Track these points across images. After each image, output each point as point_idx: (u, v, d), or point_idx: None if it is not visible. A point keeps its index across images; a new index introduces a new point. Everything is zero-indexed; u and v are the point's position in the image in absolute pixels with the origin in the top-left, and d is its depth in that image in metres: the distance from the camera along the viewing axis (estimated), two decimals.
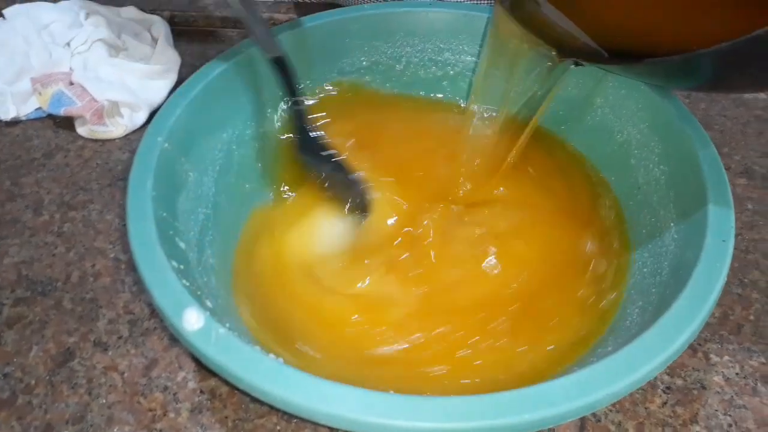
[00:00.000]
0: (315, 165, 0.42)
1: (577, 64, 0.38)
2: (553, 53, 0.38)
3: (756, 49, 0.25)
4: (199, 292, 0.30)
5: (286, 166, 0.43)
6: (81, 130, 0.52)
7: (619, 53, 0.35)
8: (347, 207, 0.42)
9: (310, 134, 0.42)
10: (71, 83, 0.53)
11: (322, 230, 0.41)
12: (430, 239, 0.39)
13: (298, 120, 0.42)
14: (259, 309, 0.35)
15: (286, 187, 0.43)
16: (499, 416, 0.24)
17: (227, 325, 0.27)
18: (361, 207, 0.42)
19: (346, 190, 0.42)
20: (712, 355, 0.37)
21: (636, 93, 0.40)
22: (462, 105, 0.50)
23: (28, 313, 0.39)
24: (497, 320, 0.35)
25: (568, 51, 0.38)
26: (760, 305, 0.40)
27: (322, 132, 0.42)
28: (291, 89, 0.41)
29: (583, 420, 0.34)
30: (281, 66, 0.40)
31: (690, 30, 0.31)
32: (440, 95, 0.51)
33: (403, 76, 0.50)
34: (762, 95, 0.56)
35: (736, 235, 0.43)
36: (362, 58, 0.48)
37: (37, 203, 0.47)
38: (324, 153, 0.42)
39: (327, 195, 0.42)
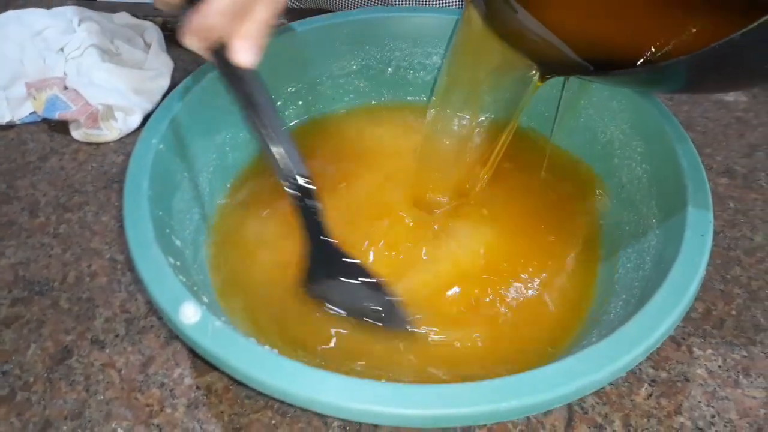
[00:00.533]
0: (329, 294, 0.36)
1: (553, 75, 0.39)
2: (534, 72, 0.38)
3: (715, 61, 0.26)
4: (195, 288, 0.30)
5: None
6: (75, 133, 0.52)
7: (598, 63, 0.35)
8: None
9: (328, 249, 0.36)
10: (65, 88, 0.54)
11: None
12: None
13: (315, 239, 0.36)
14: (252, 305, 0.36)
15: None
16: (487, 402, 0.25)
17: (222, 318, 0.28)
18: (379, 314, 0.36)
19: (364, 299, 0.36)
20: (695, 349, 0.38)
21: (618, 94, 0.42)
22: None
23: (25, 312, 0.40)
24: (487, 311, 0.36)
25: (549, 66, 0.38)
26: (741, 300, 0.41)
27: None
28: (311, 207, 0.36)
29: (570, 412, 0.35)
30: (303, 190, 0.35)
31: (657, 38, 0.32)
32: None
33: (392, 79, 0.51)
34: (742, 97, 0.57)
35: (719, 233, 0.45)
36: (352, 62, 0.49)
37: (32, 205, 0.47)
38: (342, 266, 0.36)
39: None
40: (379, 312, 0.35)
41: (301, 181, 0.34)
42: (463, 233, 0.41)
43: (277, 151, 0.34)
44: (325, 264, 0.36)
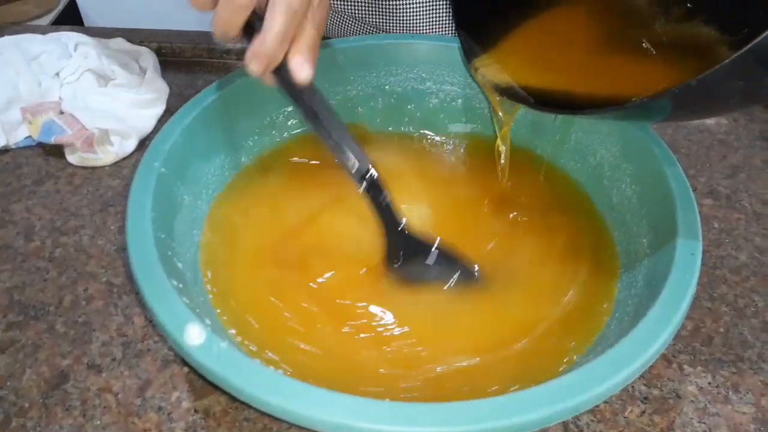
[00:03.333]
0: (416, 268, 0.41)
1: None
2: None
3: (680, 100, 0.28)
4: (198, 310, 0.31)
5: None
6: (71, 157, 0.53)
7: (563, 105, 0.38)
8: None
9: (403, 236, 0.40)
10: (61, 112, 0.54)
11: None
12: None
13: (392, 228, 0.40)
14: (251, 326, 0.36)
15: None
16: (483, 421, 0.25)
17: (226, 341, 0.28)
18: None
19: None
20: (685, 366, 0.39)
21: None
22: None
23: (20, 336, 0.40)
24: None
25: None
26: (728, 318, 0.42)
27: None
28: (382, 197, 0.39)
29: (566, 430, 0.35)
30: (372, 179, 0.38)
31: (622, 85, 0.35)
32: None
33: (388, 107, 0.52)
34: (723, 120, 0.59)
35: (704, 252, 0.45)
36: (349, 87, 0.50)
37: (28, 229, 0.47)
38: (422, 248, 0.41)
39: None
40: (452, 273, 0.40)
41: (370, 176, 0.37)
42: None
43: (342, 152, 0.37)
44: (403, 247, 0.40)
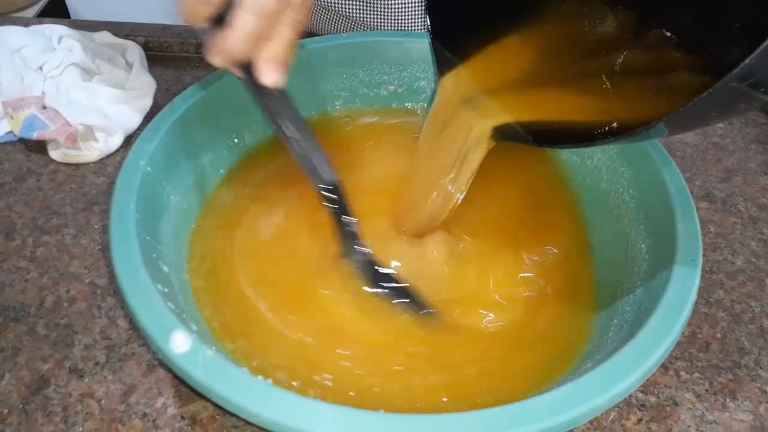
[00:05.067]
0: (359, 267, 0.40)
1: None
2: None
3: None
4: (184, 315, 0.30)
5: None
6: (54, 154, 0.51)
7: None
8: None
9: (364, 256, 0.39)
10: (44, 107, 0.52)
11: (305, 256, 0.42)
12: None
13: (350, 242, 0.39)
14: (240, 329, 0.35)
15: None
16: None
17: (213, 347, 0.27)
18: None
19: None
20: (682, 373, 0.38)
21: None
22: None
23: (0, 339, 0.38)
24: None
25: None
26: (725, 323, 0.41)
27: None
28: (344, 213, 0.38)
29: None
30: (335, 192, 0.37)
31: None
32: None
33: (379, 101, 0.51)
34: (719, 123, 0.59)
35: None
36: (341, 85, 0.49)
37: (8, 228, 0.46)
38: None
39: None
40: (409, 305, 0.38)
41: (330, 188, 0.36)
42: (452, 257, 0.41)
43: (306, 162, 0.35)
44: (360, 268, 0.39)
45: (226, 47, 0.31)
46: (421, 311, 0.38)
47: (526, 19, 0.41)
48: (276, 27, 0.31)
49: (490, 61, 0.42)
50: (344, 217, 0.38)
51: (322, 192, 0.37)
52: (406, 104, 0.52)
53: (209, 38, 0.32)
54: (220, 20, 0.31)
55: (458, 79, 0.42)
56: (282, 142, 0.36)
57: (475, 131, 0.39)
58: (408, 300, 0.38)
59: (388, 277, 0.39)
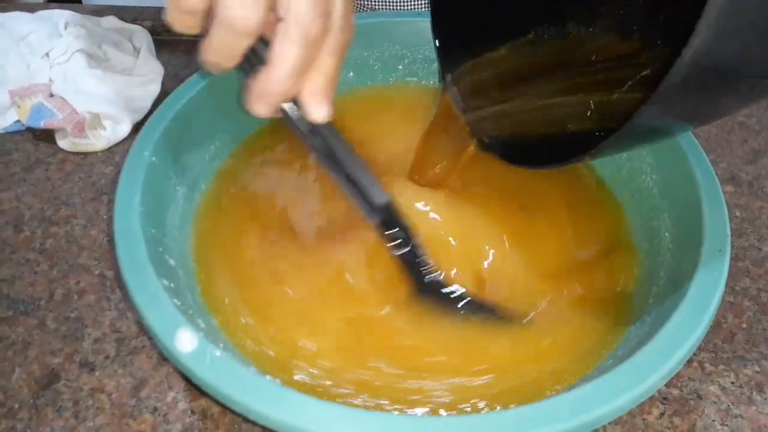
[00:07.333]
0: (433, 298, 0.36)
1: None
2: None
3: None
4: (190, 311, 0.29)
5: None
6: (62, 143, 0.50)
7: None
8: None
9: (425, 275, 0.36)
10: (51, 95, 0.52)
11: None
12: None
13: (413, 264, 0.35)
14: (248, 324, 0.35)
15: None
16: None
17: (221, 345, 0.27)
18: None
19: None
20: (707, 365, 0.37)
21: None
22: None
23: (9, 333, 0.38)
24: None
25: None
26: (751, 313, 0.40)
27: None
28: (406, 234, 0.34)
29: None
30: (389, 214, 0.33)
31: None
32: None
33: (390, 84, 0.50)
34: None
35: None
36: (349, 70, 0.48)
37: (17, 219, 0.45)
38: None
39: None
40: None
41: (389, 210, 0.33)
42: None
43: (357, 196, 0.32)
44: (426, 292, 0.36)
45: (270, 89, 0.27)
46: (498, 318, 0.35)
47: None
48: (318, 56, 0.28)
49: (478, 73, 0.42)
50: (407, 242, 0.34)
51: (384, 233, 0.34)
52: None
53: (245, 83, 0.28)
54: (251, 59, 0.27)
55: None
56: (331, 176, 0.32)
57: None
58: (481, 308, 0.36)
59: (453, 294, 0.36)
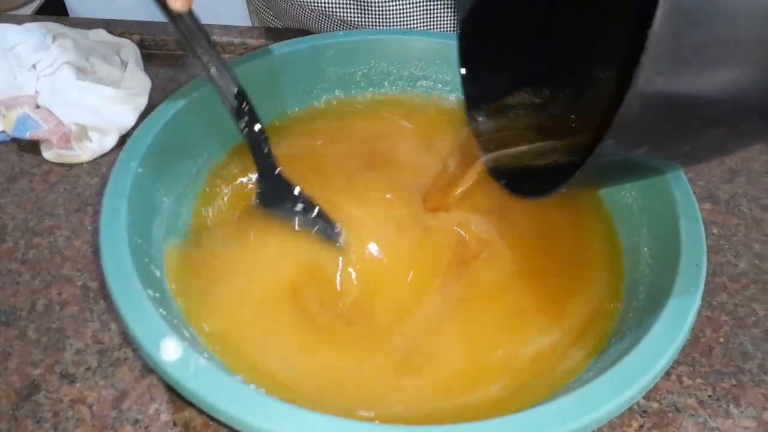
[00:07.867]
0: (281, 211, 0.40)
1: None
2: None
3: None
4: (175, 321, 0.29)
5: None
6: (47, 154, 0.50)
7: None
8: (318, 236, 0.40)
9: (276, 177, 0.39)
10: (37, 106, 0.52)
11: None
12: None
13: (264, 163, 0.39)
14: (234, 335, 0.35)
15: None
16: None
17: (206, 354, 0.27)
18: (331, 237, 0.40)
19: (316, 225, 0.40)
20: (685, 378, 0.38)
21: None
22: None
23: None
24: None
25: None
26: (728, 327, 0.41)
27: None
28: (253, 127, 0.38)
29: None
30: (241, 102, 0.37)
31: None
32: None
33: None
34: None
35: None
36: (335, 86, 0.48)
37: (0, 229, 0.45)
38: (291, 195, 0.40)
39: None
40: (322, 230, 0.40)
41: (239, 101, 0.36)
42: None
43: (213, 74, 0.35)
44: (273, 187, 0.39)
45: None
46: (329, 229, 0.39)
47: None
48: None
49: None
50: (253, 129, 0.37)
51: (233, 108, 0.37)
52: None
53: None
54: None
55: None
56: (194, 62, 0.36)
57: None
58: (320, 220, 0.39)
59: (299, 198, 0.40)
